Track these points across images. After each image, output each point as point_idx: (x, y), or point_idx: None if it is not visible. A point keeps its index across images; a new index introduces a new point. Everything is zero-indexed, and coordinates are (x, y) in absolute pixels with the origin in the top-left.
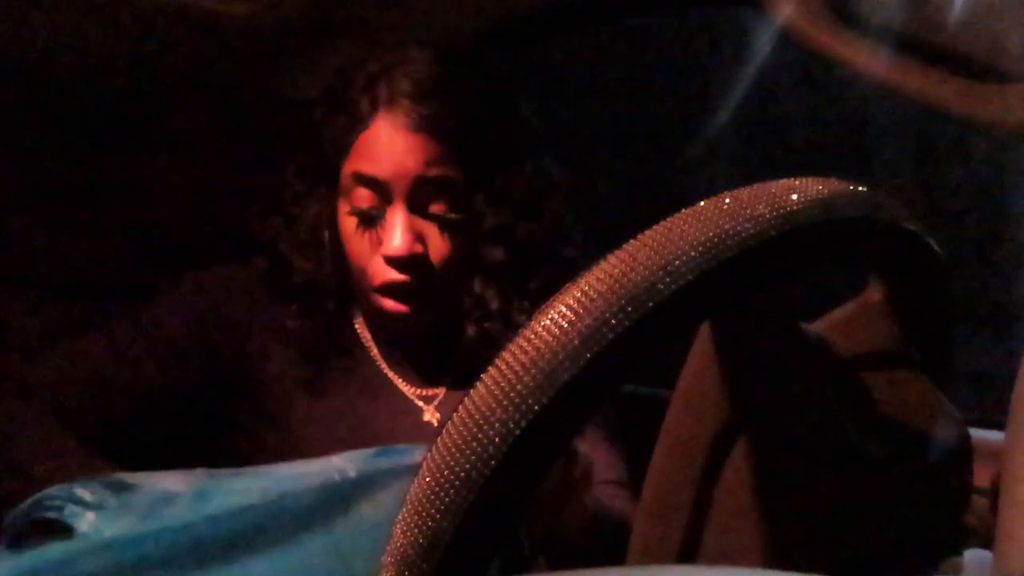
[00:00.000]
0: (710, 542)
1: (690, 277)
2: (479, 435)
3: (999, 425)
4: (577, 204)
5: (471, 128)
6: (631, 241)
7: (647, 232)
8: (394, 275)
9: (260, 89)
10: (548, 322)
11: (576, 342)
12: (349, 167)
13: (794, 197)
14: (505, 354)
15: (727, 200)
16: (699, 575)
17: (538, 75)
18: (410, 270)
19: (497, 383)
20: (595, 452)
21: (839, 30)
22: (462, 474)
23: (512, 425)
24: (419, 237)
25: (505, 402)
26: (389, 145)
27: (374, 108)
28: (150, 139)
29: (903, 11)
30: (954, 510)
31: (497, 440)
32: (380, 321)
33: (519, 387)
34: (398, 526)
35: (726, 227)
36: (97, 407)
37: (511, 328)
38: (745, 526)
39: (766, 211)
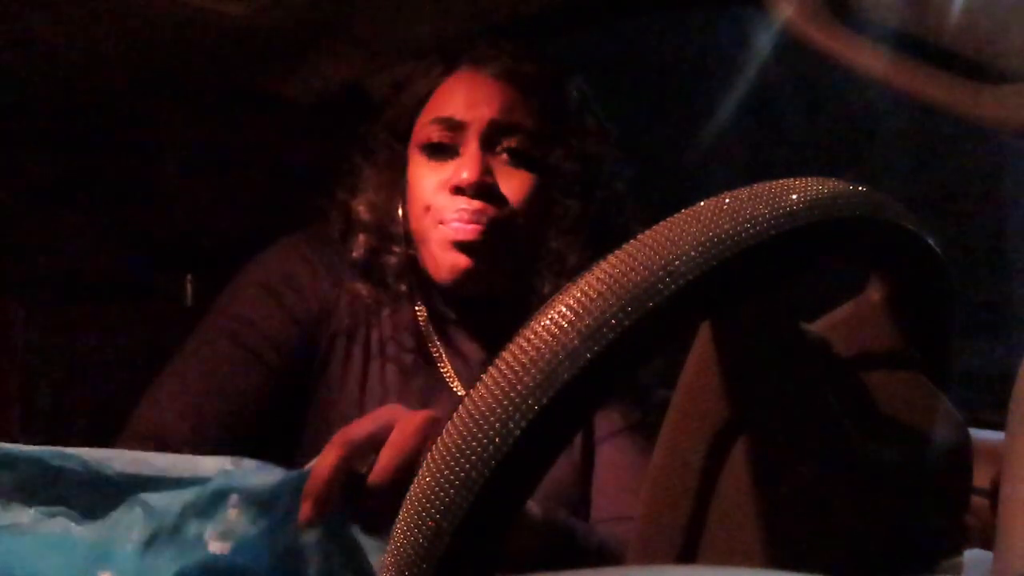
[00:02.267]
0: (710, 542)
1: (690, 277)
2: (479, 435)
3: (999, 425)
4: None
5: (552, 86)
6: (631, 241)
7: (647, 232)
8: (463, 203)
9: (260, 89)
10: (548, 322)
11: (576, 342)
12: (425, 118)
13: (794, 197)
14: (505, 354)
15: (727, 200)
16: (699, 575)
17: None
18: (481, 199)
19: (497, 383)
20: (612, 480)
21: (839, 30)
22: (462, 474)
23: (512, 425)
24: (491, 172)
25: (505, 402)
26: (470, 90)
27: (456, 63)
28: (150, 140)
29: (903, 11)
30: (954, 510)
31: (497, 440)
32: (444, 293)
33: (519, 387)
34: (398, 526)
35: (726, 227)
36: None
37: None
38: (745, 526)
39: (766, 211)
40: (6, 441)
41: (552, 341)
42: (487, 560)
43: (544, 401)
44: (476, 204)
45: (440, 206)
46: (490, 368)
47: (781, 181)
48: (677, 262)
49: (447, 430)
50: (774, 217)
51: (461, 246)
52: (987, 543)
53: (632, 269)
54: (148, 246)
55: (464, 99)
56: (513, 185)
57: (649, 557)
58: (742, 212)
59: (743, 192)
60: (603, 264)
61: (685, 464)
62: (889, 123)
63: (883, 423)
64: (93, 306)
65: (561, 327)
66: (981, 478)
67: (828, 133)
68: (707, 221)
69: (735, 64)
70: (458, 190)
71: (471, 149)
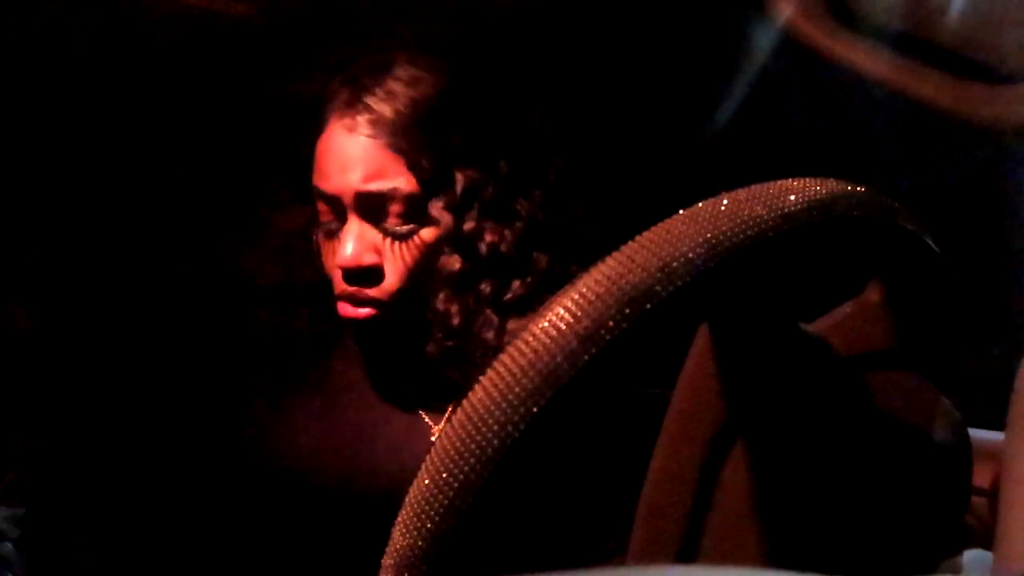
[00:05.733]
0: (709, 542)
1: (688, 279)
2: (477, 437)
3: (999, 425)
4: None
5: (426, 130)
6: (629, 243)
7: (645, 233)
8: (347, 286)
9: (260, 89)
10: (546, 324)
11: (574, 344)
12: (312, 179)
13: (792, 198)
14: (503, 356)
15: (725, 201)
16: (699, 575)
17: (538, 74)
18: (364, 281)
19: (495, 385)
20: None
21: (839, 30)
22: (460, 476)
23: (511, 428)
24: (374, 248)
25: (504, 404)
26: (335, 156)
27: (330, 114)
28: (150, 140)
29: (903, 11)
30: (954, 510)
31: (496, 442)
32: (354, 332)
33: (517, 389)
34: (397, 528)
35: (724, 228)
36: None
37: (477, 346)
38: (744, 526)
39: (764, 212)
40: (7, 442)
41: (550, 343)
42: (485, 562)
43: (542, 403)
44: (355, 288)
45: (335, 282)
46: (489, 370)
47: (779, 182)
48: (675, 263)
49: (446, 432)
50: (772, 218)
51: (350, 322)
52: (987, 543)
53: (630, 271)
54: (148, 247)
55: (331, 167)
56: (397, 259)
57: (649, 557)
58: (740, 213)
59: (741, 193)
60: (601, 265)
61: (685, 464)
62: (888, 123)
63: (883, 423)
64: (93, 305)
65: (559, 329)
66: (981, 478)
67: (827, 133)
68: (705, 222)
69: (735, 64)
70: (342, 270)
71: (349, 227)
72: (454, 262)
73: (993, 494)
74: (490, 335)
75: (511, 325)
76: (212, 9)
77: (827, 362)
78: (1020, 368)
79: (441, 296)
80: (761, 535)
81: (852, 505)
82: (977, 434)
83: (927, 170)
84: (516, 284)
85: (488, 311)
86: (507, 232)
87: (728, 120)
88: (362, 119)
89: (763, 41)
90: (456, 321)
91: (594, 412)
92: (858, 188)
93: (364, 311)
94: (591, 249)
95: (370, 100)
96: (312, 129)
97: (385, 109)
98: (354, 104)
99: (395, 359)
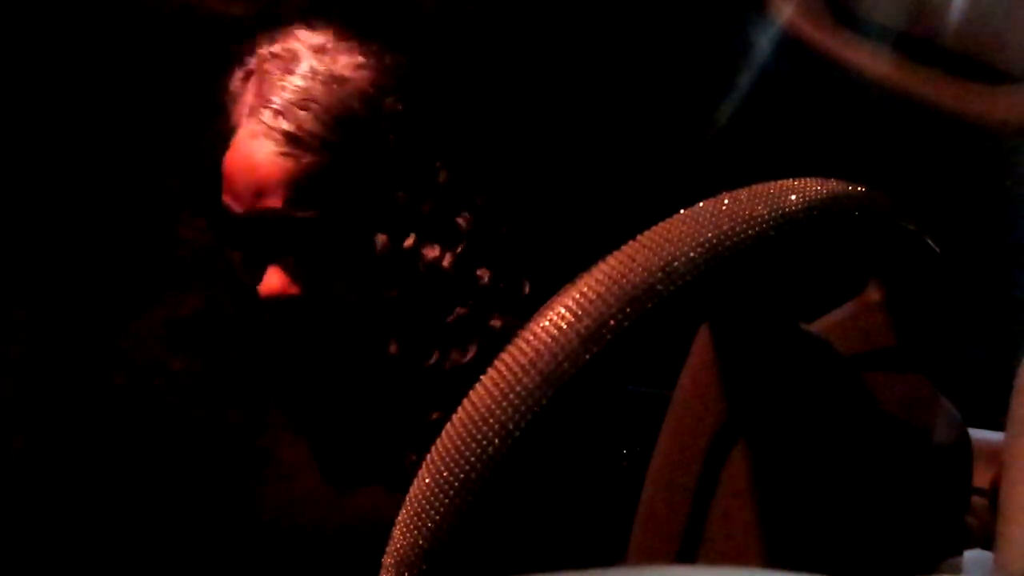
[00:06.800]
0: (709, 541)
1: (689, 278)
2: (478, 436)
3: (999, 425)
4: (574, 206)
5: (354, 144)
6: (630, 242)
7: (646, 233)
8: (273, 317)
9: None
10: (547, 323)
11: (575, 343)
12: (223, 195)
13: (792, 198)
14: (504, 355)
15: (726, 201)
16: (699, 575)
17: (537, 73)
18: (288, 312)
19: (496, 384)
20: None
21: (839, 30)
22: (461, 475)
23: (512, 426)
24: (300, 277)
25: (504, 403)
26: (250, 177)
27: (236, 119)
28: (148, 141)
29: (903, 11)
30: (954, 510)
31: (496, 441)
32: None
33: (518, 388)
34: (398, 527)
35: (725, 228)
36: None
37: (418, 374)
38: (744, 526)
39: (765, 212)
40: (3, 442)
41: (551, 343)
42: (485, 562)
43: (543, 402)
44: (282, 320)
45: (263, 307)
46: (490, 369)
47: (780, 181)
48: (676, 263)
49: (447, 431)
50: (773, 218)
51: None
52: (987, 543)
53: (631, 270)
54: (146, 253)
55: (244, 189)
56: (328, 285)
57: (649, 557)
58: (741, 213)
59: (742, 193)
60: (602, 265)
61: (685, 464)
62: (888, 123)
63: (883, 423)
64: (93, 307)
65: (560, 328)
66: (981, 478)
67: (827, 133)
68: (706, 222)
69: (735, 64)
70: (263, 301)
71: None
72: (390, 288)
73: (993, 494)
74: (432, 363)
75: (454, 355)
76: (212, 9)
77: (827, 362)
78: (1020, 368)
79: (377, 327)
80: (761, 535)
81: (852, 505)
82: (977, 434)
83: (927, 170)
84: (458, 309)
85: (428, 341)
86: (447, 252)
87: (728, 120)
88: (277, 133)
89: (763, 41)
90: (393, 349)
91: (595, 411)
92: (858, 188)
93: (289, 331)
94: (534, 262)
95: (283, 106)
96: (214, 129)
97: (304, 119)
98: (263, 110)
99: (330, 408)
